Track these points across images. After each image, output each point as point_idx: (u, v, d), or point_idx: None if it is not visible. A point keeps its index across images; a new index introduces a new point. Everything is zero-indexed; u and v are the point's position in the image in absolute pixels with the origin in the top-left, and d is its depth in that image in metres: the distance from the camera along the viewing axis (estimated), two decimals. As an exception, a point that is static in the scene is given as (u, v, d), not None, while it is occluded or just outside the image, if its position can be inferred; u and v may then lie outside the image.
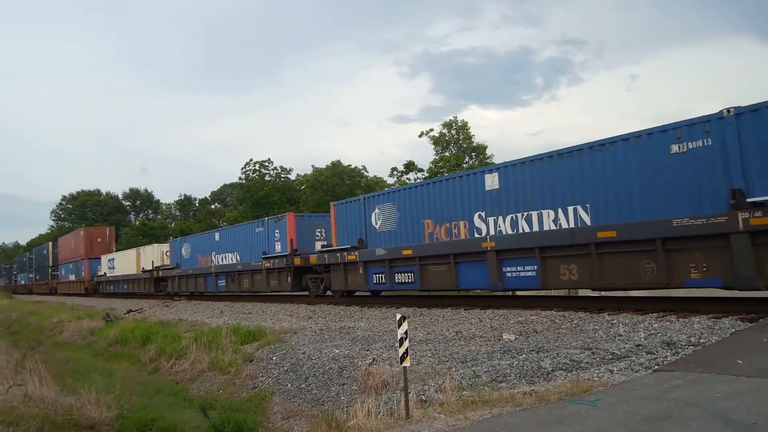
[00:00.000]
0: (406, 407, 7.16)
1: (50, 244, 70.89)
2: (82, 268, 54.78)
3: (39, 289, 72.30)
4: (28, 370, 12.66)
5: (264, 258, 25.68)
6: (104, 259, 50.58)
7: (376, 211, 19.78)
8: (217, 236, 31.64)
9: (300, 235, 24.69)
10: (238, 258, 28.78)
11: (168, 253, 38.41)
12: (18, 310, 44.92)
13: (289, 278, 24.25)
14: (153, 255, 39.72)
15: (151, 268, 38.89)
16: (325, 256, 21.51)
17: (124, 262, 44.82)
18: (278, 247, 25.41)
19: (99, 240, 56.87)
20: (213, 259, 31.26)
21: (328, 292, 22.63)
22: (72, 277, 58.29)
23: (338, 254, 20.76)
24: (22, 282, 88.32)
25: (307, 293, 24.09)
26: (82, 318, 29.81)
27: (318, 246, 23.71)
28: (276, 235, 25.65)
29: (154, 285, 38.46)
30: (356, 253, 19.97)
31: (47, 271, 68.83)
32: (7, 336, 27.31)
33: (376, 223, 19.70)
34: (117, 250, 62.47)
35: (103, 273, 49.67)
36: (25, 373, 12.51)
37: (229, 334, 16.66)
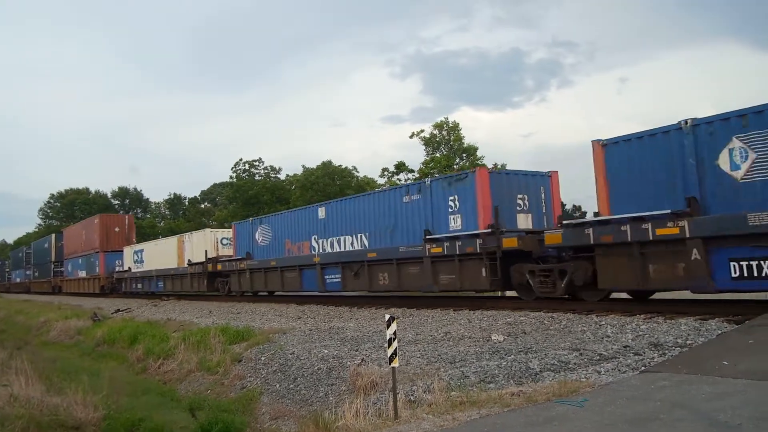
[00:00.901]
0: (395, 408, 7.16)
1: (53, 236, 62.45)
2: (96, 262, 46.24)
3: (39, 288, 64.95)
4: (14, 369, 12.55)
5: (429, 240, 17.11)
6: (128, 251, 41.99)
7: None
8: (321, 212, 22.45)
9: (498, 203, 16.11)
10: (365, 242, 19.92)
11: (227, 241, 31.04)
12: (4, 308, 44.58)
13: (485, 271, 15.65)
14: (204, 243, 31.27)
15: (203, 259, 30.27)
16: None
17: (158, 254, 36.61)
18: (457, 222, 16.78)
19: (117, 230, 48.00)
20: (315, 245, 22.45)
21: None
22: (82, 274, 50.01)
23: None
24: (17, 280, 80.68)
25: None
26: (69, 317, 29.61)
27: (521, 220, 16.93)
28: (452, 204, 16.90)
29: (208, 282, 30.15)
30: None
31: (49, 267, 61.24)
32: (-7, 335, 27.05)
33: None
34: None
35: (126, 268, 41.60)
36: (10, 373, 12.41)
37: (217, 334, 16.60)
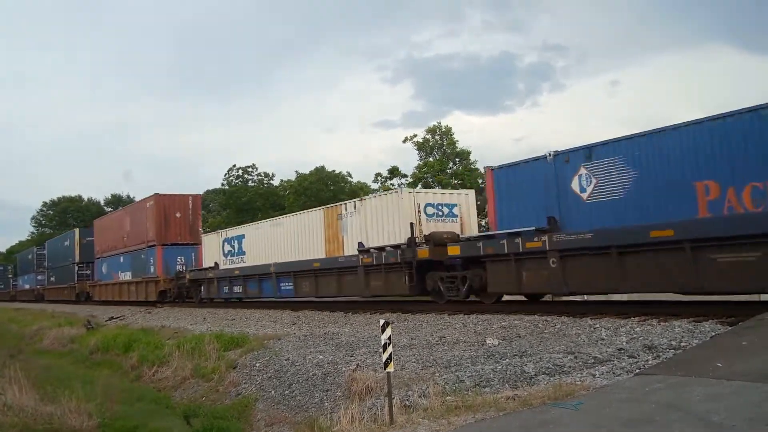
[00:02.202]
0: (390, 413, 7.16)
1: (76, 231, 52.03)
2: (150, 260, 34.54)
3: (56, 295, 54.44)
4: (7, 378, 12.49)
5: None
6: (212, 240, 30.09)
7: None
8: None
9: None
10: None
11: (439, 210, 18.69)
12: (-3, 317, 44.30)
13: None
14: (397, 212, 18.32)
15: (397, 241, 17.86)
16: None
17: (280, 239, 24.37)
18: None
19: (178, 215, 35.01)
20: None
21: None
22: (125, 276, 38.49)
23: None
24: (26, 286, 69.92)
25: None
26: (62, 325, 29.47)
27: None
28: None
29: (416, 280, 17.52)
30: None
31: (71, 269, 50.42)
32: (-15, 344, 26.87)
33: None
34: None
35: (210, 265, 29.27)
36: (3, 381, 12.34)
37: (212, 341, 16.55)
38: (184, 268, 33.14)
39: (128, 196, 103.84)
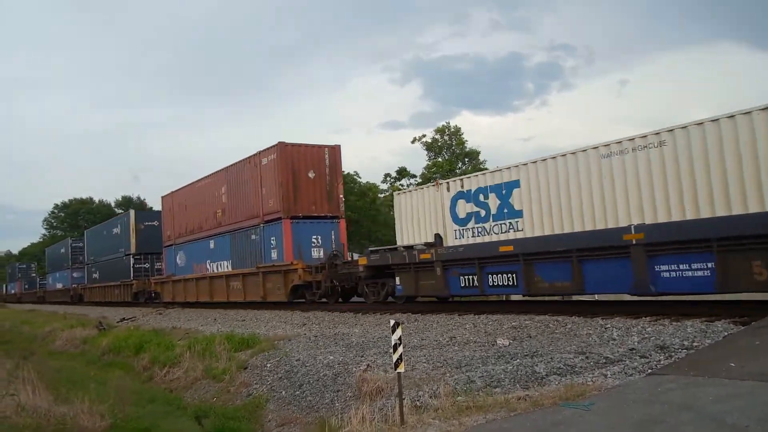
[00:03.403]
0: (401, 413, 7.16)
1: (131, 214, 41.50)
2: (268, 242, 24.62)
3: (102, 296, 45.78)
4: (21, 379, 12.58)
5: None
6: (426, 197, 18.98)
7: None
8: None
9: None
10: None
11: None
12: (9, 319, 44.63)
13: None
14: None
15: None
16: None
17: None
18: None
19: (311, 175, 24.28)
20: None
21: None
22: (218, 267, 28.95)
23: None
24: (59, 285, 60.16)
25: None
26: (74, 327, 29.65)
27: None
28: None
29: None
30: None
31: (123, 263, 40.60)
32: (-1, 345, 27.09)
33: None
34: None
35: (414, 242, 18.62)
36: (17, 382, 12.44)
37: (223, 342, 16.60)
38: (333, 247, 23.62)
39: (138, 198, 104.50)
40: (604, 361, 8.96)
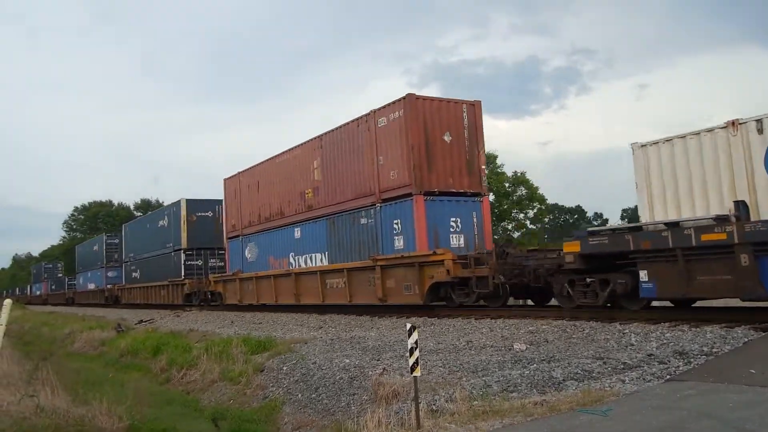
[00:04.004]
0: (417, 417, 7.14)
1: (181, 203, 35.41)
2: (388, 227, 19.35)
3: (145, 297, 40.06)
4: (41, 380, 12.71)
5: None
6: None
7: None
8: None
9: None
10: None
11: None
12: (30, 320, 45.14)
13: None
14: None
15: None
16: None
17: None
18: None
19: (446, 139, 18.92)
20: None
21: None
22: (306, 260, 23.59)
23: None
24: (91, 286, 54.50)
25: None
26: (93, 328, 29.93)
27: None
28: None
29: None
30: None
31: (172, 260, 35.51)
32: (20, 346, 27.44)
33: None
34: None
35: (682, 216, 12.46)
36: (37, 383, 12.56)
37: (239, 345, 16.67)
38: (474, 233, 18.68)
39: (157, 201, 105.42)
40: (622, 366, 8.89)
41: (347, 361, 12.84)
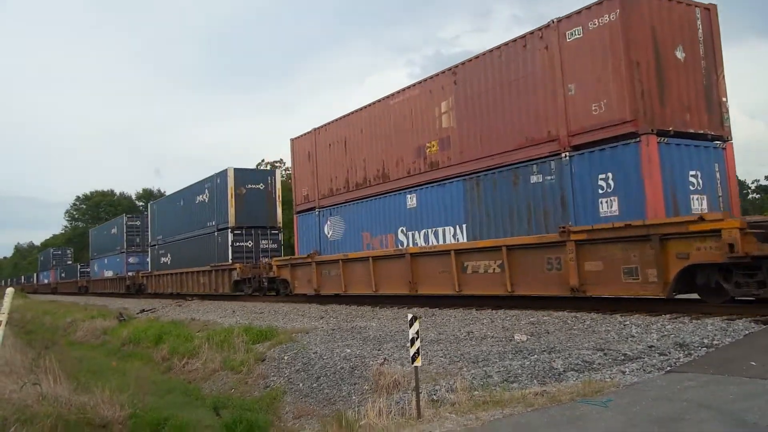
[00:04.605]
0: (418, 407, 7.17)
1: (229, 172, 29.82)
2: (623, 180, 13.04)
3: (179, 286, 34.69)
4: (43, 369, 12.77)
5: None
6: None
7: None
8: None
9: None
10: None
11: None
12: (32, 310, 45.29)
13: None
14: None
15: None
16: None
17: None
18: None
19: (680, 55, 13.48)
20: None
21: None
22: (423, 239, 18.27)
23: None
24: (108, 273, 48.96)
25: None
26: (95, 317, 30.03)
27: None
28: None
29: None
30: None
31: (215, 243, 30.38)
32: (22, 335, 27.57)
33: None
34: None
35: None
36: (39, 371, 12.62)
37: (241, 334, 16.72)
38: (718, 192, 13.83)
39: (159, 191, 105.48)
40: (622, 357, 8.90)
41: (348, 351, 12.88)
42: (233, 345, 16.16)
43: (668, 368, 7.84)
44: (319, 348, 13.81)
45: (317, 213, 23.41)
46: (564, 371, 8.67)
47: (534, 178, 14.92)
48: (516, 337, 11.47)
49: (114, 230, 49.65)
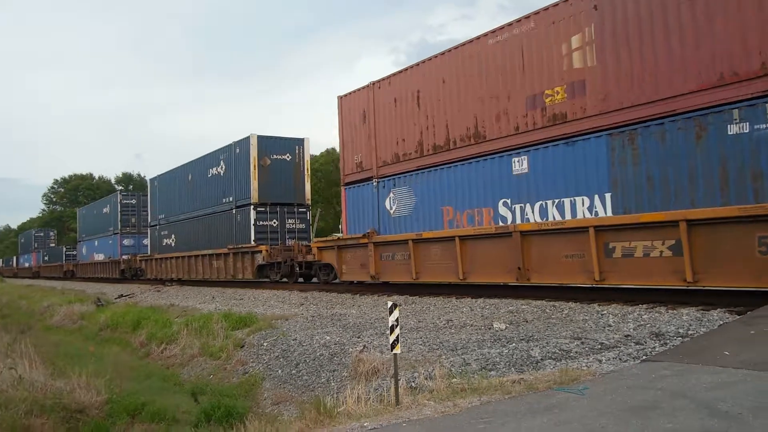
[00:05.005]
0: (396, 394, 7.19)
1: (253, 139, 26.07)
2: None
3: (177, 271, 32.37)
4: (18, 353, 12.64)
5: None
6: None
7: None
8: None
9: None
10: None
11: None
12: (7, 293, 44.75)
13: None
14: None
15: None
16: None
17: None
18: None
19: None
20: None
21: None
22: (536, 212, 14.08)
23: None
24: (98, 257, 45.74)
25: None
26: (72, 302, 29.76)
27: None
28: None
29: None
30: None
31: (233, 222, 27.14)
32: (-4, 319, 27.25)
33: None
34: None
35: None
36: (15, 356, 12.50)
37: (220, 320, 16.67)
38: None
39: (139, 175, 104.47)
40: (599, 346, 9.00)
41: (328, 338, 12.89)
42: (212, 331, 16.11)
43: (644, 357, 7.94)
44: (299, 335, 13.81)
45: (375, 184, 19.18)
46: (541, 359, 8.75)
47: (734, 129, 10.86)
48: (495, 326, 11.54)
49: (106, 209, 45.16)
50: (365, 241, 18.80)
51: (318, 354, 12.12)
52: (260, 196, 25.87)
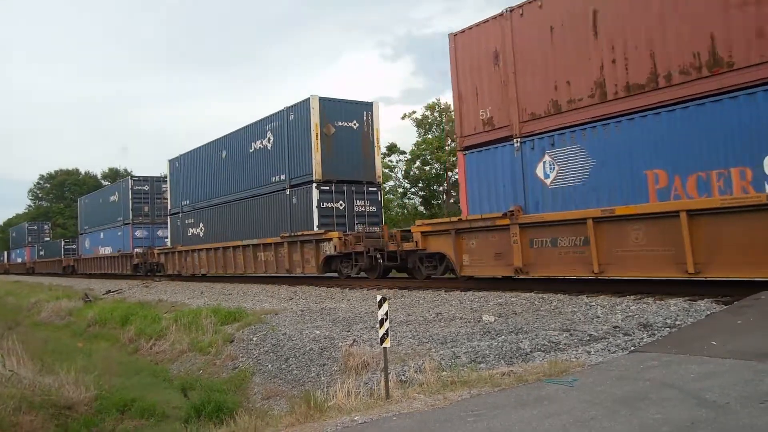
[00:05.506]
0: (386, 388, 7.20)
1: (314, 100, 20.86)
2: None
3: (208, 266, 27.76)
4: (6, 350, 12.54)
5: None
6: None
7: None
8: None
9: None
10: None
11: None
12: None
13: None
14: None
15: None
16: None
17: None
18: None
19: None
20: None
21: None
22: None
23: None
24: (104, 251, 41.46)
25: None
26: (60, 298, 29.57)
27: None
28: None
29: None
30: None
31: (286, 204, 22.39)
32: (-17, 316, 27.02)
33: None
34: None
35: None
36: (2, 352, 12.40)
37: (209, 315, 16.62)
38: None
39: (125, 170, 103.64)
40: (587, 338, 9.05)
41: (317, 332, 12.88)
42: (201, 326, 16.07)
43: (632, 348, 7.99)
44: (289, 329, 13.79)
45: (517, 145, 14.28)
46: (531, 351, 8.79)
47: None
48: (484, 318, 11.57)
49: (114, 197, 39.81)
50: (505, 222, 14.05)
51: (308, 348, 12.10)
52: (324, 172, 21.13)
